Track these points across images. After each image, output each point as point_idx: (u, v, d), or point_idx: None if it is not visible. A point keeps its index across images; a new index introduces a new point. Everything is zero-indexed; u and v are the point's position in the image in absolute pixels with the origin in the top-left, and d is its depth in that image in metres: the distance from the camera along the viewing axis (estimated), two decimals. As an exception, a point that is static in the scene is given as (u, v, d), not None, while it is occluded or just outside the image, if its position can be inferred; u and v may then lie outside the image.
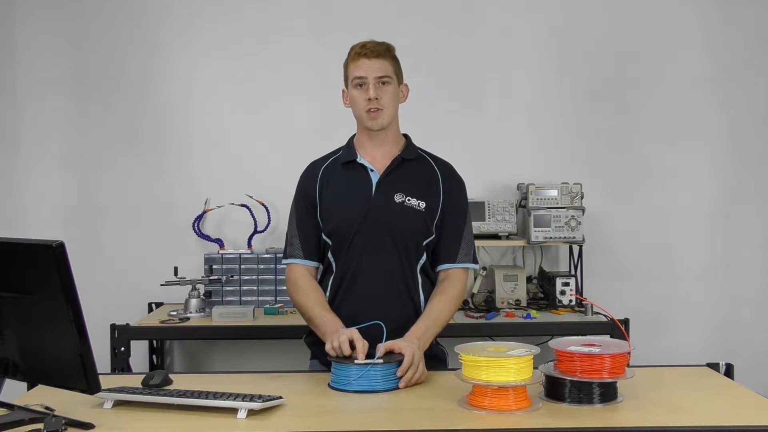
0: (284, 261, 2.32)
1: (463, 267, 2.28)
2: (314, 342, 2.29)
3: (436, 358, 2.28)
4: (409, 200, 2.22)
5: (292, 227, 2.31)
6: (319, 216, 2.26)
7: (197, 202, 3.76)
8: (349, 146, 2.31)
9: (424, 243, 2.24)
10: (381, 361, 1.91)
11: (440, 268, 2.29)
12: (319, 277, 2.33)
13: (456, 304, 2.25)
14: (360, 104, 2.20)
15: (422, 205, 2.22)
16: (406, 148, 2.30)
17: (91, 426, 1.62)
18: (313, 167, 2.33)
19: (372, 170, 2.25)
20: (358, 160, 2.26)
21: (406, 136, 2.34)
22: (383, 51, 2.21)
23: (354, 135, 2.33)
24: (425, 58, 3.72)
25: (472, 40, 3.83)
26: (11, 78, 3.79)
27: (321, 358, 2.25)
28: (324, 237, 2.26)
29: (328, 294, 2.26)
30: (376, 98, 2.18)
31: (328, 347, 2.01)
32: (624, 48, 3.84)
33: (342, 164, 2.28)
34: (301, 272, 2.27)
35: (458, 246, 2.27)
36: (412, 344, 2.02)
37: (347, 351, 1.97)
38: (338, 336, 2.00)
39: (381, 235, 2.18)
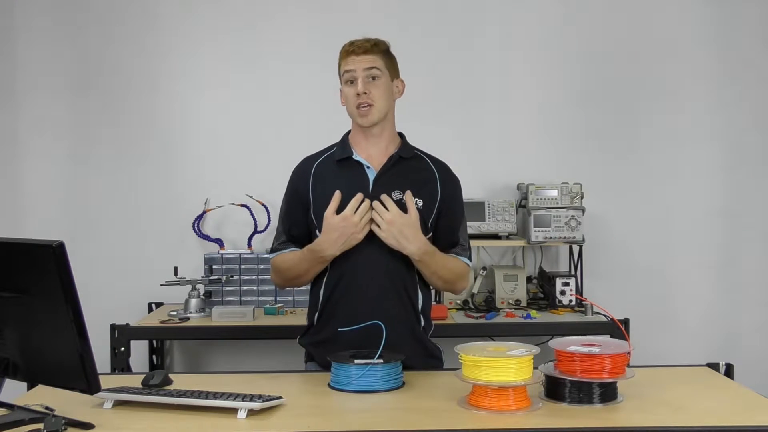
0: (272, 255, 2.33)
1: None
2: (310, 343, 2.29)
3: (432, 356, 2.28)
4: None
5: (281, 223, 2.32)
6: (313, 213, 2.24)
7: (197, 202, 3.76)
8: (344, 143, 2.29)
9: None
10: (381, 361, 1.91)
11: None
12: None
13: (458, 274, 2.27)
14: (351, 100, 2.20)
15: (420, 202, 2.21)
16: (402, 146, 2.29)
17: (91, 426, 1.62)
18: (305, 163, 2.32)
19: (368, 167, 2.23)
20: (353, 157, 2.24)
21: (401, 134, 2.33)
22: (370, 46, 2.20)
23: (348, 132, 2.32)
24: (425, 58, 3.72)
25: (472, 39, 3.83)
26: (11, 78, 3.79)
27: (318, 359, 2.24)
28: (318, 234, 2.22)
29: (323, 293, 2.24)
30: (365, 93, 2.17)
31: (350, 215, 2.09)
32: (624, 48, 3.84)
33: (337, 161, 2.26)
34: None
35: (456, 243, 2.28)
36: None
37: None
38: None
39: None
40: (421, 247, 2.13)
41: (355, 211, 2.10)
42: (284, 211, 2.32)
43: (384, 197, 2.12)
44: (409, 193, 2.14)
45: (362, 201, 2.12)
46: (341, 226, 2.10)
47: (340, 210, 2.16)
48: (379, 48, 2.22)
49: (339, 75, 2.26)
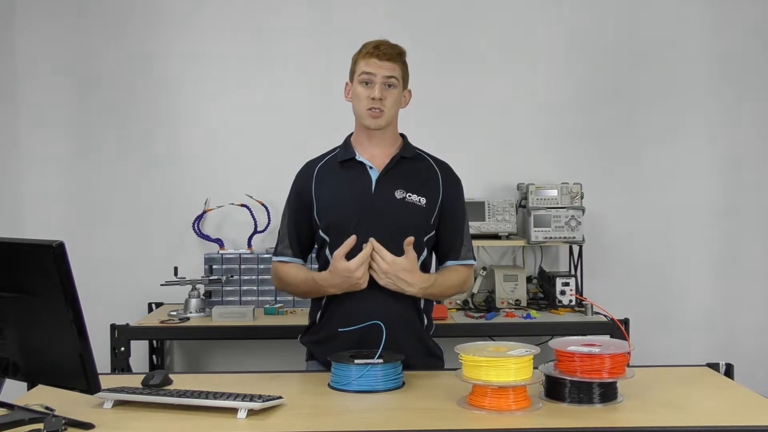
0: (274, 258, 2.35)
1: (466, 264, 2.31)
2: (311, 341, 2.30)
3: (433, 355, 2.29)
4: (410, 196, 2.22)
5: (284, 226, 2.33)
6: (316, 213, 2.25)
7: (197, 202, 3.76)
8: (347, 145, 2.31)
9: (425, 239, 2.24)
10: (381, 361, 1.91)
11: (444, 265, 2.31)
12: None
13: (461, 285, 2.30)
14: (363, 102, 2.21)
15: (423, 201, 2.23)
16: (404, 146, 2.30)
17: (91, 426, 1.62)
18: (308, 167, 2.33)
19: (371, 167, 2.25)
20: (357, 158, 2.26)
21: (402, 135, 2.34)
22: (395, 55, 2.21)
23: (351, 134, 2.33)
24: (426, 58, 3.71)
25: (473, 40, 3.83)
26: (11, 78, 3.78)
27: (319, 358, 2.25)
28: (321, 234, 2.24)
29: None
30: (381, 99, 2.18)
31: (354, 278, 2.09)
32: (624, 48, 3.84)
33: (339, 162, 2.28)
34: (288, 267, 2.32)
35: (460, 244, 2.30)
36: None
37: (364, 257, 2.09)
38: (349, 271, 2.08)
39: (382, 230, 2.16)
40: (421, 286, 2.14)
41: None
42: (288, 215, 2.32)
43: (376, 246, 2.10)
44: (410, 239, 2.11)
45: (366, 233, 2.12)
46: (345, 277, 2.10)
47: (340, 207, 2.20)
48: (401, 58, 2.24)
49: (352, 70, 2.26)
